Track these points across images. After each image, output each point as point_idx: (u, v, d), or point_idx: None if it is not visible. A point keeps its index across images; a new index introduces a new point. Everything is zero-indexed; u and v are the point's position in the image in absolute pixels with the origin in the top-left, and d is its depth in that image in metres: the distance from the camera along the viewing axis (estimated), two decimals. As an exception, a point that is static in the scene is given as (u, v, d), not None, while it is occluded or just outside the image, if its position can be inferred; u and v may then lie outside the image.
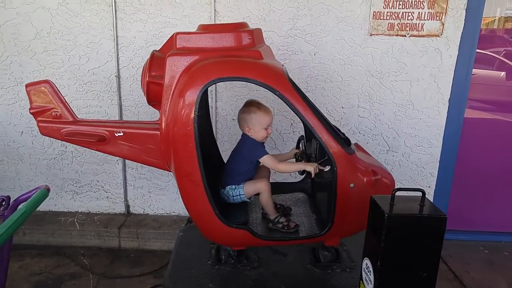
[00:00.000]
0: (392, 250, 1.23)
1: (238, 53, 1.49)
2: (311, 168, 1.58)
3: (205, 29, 1.59)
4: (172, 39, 1.58)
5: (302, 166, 1.64)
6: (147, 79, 1.53)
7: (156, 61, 1.56)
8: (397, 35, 2.39)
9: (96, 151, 2.56)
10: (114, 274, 2.38)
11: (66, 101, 1.59)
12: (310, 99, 1.53)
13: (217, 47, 1.50)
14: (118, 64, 2.52)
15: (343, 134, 1.57)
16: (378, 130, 2.56)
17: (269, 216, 1.73)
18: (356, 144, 1.68)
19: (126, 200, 2.77)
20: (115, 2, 2.42)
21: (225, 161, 1.95)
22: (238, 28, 1.57)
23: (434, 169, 2.59)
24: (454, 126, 2.50)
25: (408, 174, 2.60)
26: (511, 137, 2.66)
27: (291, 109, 1.45)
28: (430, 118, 2.51)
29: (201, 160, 1.46)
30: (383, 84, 2.49)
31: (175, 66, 1.47)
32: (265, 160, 1.64)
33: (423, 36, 2.38)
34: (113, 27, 2.46)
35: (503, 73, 2.68)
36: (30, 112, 1.57)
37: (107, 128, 1.56)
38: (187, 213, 2.73)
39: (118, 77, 2.54)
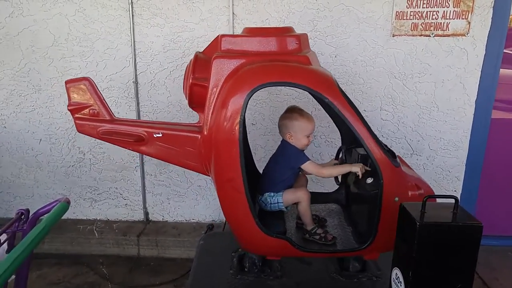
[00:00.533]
0: (425, 260, 1.17)
1: (285, 57, 1.43)
2: (357, 168, 1.50)
3: (251, 32, 1.53)
4: (216, 41, 1.53)
5: (348, 167, 1.56)
6: (190, 81, 1.48)
7: (200, 63, 1.51)
8: (421, 35, 2.30)
9: (115, 156, 2.58)
10: (134, 283, 2.32)
11: (104, 99, 1.55)
12: (358, 109, 1.45)
13: (264, 51, 1.44)
14: (135, 70, 2.47)
15: (386, 146, 1.49)
16: (401, 133, 2.47)
17: (305, 227, 1.65)
18: (398, 156, 1.59)
19: (145, 207, 2.71)
20: (132, 7, 2.37)
21: (258, 167, 1.88)
22: (284, 32, 1.52)
23: (460, 173, 2.49)
24: (481, 128, 2.39)
25: (433, 178, 2.50)
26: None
27: (340, 117, 1.38)
28: (455, 120, 2.41)
29: (244, 166, 1.40)
30: (406, 86, 2.40)
31: (221, 69, 1.42)
32: (307, 166, 1.58)
33: (448, 35, 2.28)
34: (130, 32, 2.41)
35: None
36: (68, 109, 1.53)
37: (145, 129, 1.51)
38: (206, 220, 2.71)
39: (136, 83, 2.49)
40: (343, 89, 2.52)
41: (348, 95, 1.42)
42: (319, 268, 1.68)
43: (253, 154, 2.07)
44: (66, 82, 1.53)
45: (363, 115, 2.57)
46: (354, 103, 1.39)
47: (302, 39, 1.50)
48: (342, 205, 1.88)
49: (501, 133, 2.49)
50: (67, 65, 2.49)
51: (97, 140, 1.79)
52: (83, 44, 2.45)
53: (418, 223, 1.14)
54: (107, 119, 1.54)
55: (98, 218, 2.75)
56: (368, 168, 1.51)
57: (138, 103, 2.52)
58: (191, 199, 2.66)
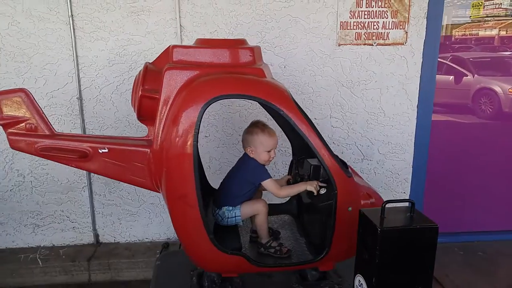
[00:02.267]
0: (387, 264, 1.16)
1: (240, 70, 1.37)
2: (312, 187, 1.47)
3: (204, 43, 1.45)
4: (167, 52, 1.43)
5: (303, 186, 1.51)
6: (140, 93, 1.37)
7: (150, 74, 1.41)
8: (365, 44, 2.32)
9: (60, 176, 2.33)
10: (84, 313, 2.09)
11: (43, 113, 1.38)
12: (312, 120, 1.42)
13: (217, 62, 1.37)
14: (79, 86, 2.27)
15: (337, 156, 1.45)
16: (351, 140, 2.46)
17: (260, 240, 1.57)
18: (349, 166, 1.57)
19: (94, 229, 2.46)
20: (72, 20, 2.18)
21: (214, 179, 1.76)
22: (238, 44, 1.45)
23: (408, 175, 2.52)
24: (424, 130, 2.44)
25: (383, 181, 2.51)
26: (474, 138, 2.66)
27: (295, 129, 1.33)
28: (401, 124, 2.44)
29: (198, 180, 1.30)
30: (354, 93, 2.40)
31: (174, 80, 1.33)
32: (267, 184, 1.51)
33: (389, 44, 2.32)
34: (72, 46, 2.21)
35: (451, 77, 2.72)
36: None
37: (90, 144, 1.38)
38: (160, 239, 2.51)
39: (80, 99, 2.28)
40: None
41: (301, 106, 1.37)
42: (280, 280, 1.61)
43: (207, 167, 1.96)
44: None
45: (314, 123, 2.55)
46: (305, 112, 1.35)
47: (256, 51, 1.46)
48: (294, 215, 1.82)
49: (441, 134, 2.56)
50: (1, 82, 2.22)
51: (39, 160, 1.60)
52: (18, 59, 2.21)
53: (379, 229, 1.13)
54: (47, 134, 1.37)
55: (42, 245, 2.46)
56: (323, 184, 1.48)
57: (83, 120, 2.31)
58: (143, 218, 2.46)
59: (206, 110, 2.34)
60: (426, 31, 2.31)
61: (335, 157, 1.40)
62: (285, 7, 2.25)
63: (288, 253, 1.54)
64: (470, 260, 2.45)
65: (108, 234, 2.49)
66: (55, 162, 1.44)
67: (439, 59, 2.39)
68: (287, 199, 1.84)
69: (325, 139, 2.50)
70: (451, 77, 2.74)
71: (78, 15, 2.19)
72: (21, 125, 1.36)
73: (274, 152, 1.55)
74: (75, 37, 2.21)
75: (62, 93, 2.28)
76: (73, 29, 2.19)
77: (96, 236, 2.48)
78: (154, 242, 2.49)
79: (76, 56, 2.23)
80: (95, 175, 2.35)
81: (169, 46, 1.41)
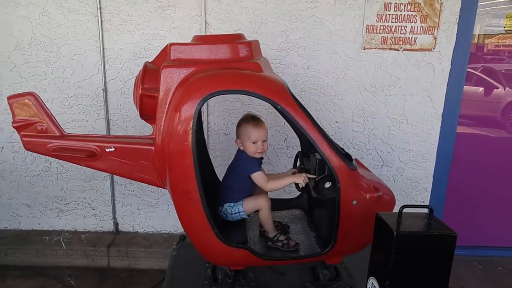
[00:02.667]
0: (401, 269, 1.14)
1: (236, 65, 1.34)
2: (299, 179, 1.45)
3: (201, 40, 1.43)
4: (165, 51, 1.42)
5: (290, 179, 1.49)
6: (140, 92, 1.38)
7: (149, 73, 1.41)
8: (390, 48, 2.24)
9: (84, 167, 2.40)
10: (103, 296, 2.18)
11: (52, 115, 1.41)
12: (311, 114, 1.38)
13: (214, 58, 1.35)
14: (104, 77, 2.30)
15: (343, 149, 1.42)
16: (372, 145, 2.41)
17: (268, 234, 1.57)
18: (356, 160, 1.53)
19: (114, 217, 2.54)
20: (100, 12, 2.20)
21: (220, 177, 1.78)
22: (235, 39, 1.42)
23: (428, 184, 2.46)
24: (448, 140, 2.36)
25: (402, 189, 2.46)
26: (501, 151, 2.56)
27: (293, 123, 1.31)
28: (423, 132, 2.38)
29: (199, 176, 1.30)
30: (376, 98, 2.34)
31: (171, 78, 1.32)
32: (256, 177, 1.49)
33: (416, 50, 2.24)
34: (99, 38, 2.24)
35: (481, 88, 2.60)
36: (13, 126, 1.39)
37: (97, 143, 1.40)
38: (178, 231, 2.57)
39: (105, 90, 2.32)
40: (314, 100, 2.45)
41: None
42: (293, 278, 1.61)
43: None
44: (9, 98, 1.39)
45: (335, 126, 2.51)
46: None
47: (253, 46, 1.42)
48: (305, 210, 1.80)
49: (465, 146, 2.48)
50: (31, 71, 2.29)
51: (49, 157, 1.62)
52: (48, 49, 2.26)
53: (395, 233, 1.11)
54: (57, 135, 1.40)
55: (65, 229, 2.56)
56: (311, 176, 1.44)
57: (107, 111, 2.36)
58: (162, 210, 2.52)
59: (227, 108, 2.38)
60: (456, 38, 2.21)
61: (337, 150, 1.37)
62: (310, 8, 2.20)
63: (296, 247, 1.53)
64: (488, 274, 2.40)
65: (127, 223, 2.56)
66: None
67: (469, 69, 2.29)
68: (298, 194, 1.82)
69: (345, 143, 2.47)
70: (481, 89, 2.61)
71: (106, 7, 2.21)
72: (32, 127, 1.39)
73: (264, 145, 1.50)
74: (102, 30, 2.23)
75: (88, 83, 2.33)
76: (101, 21, 2.21)
77: (116, 224, 2.56)
78: (171, 234, 2.55)
79: (103, 48, 2.26)
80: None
81: (167, 44, 1.40)
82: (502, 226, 2.60)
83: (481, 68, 2.60)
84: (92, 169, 2.40)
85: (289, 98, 1.32)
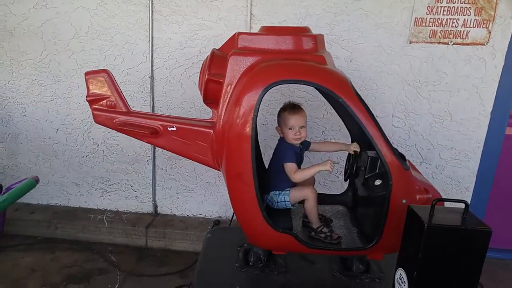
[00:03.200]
0: (431, 261, 1.13)
1: (301, 56, 1.39)
2: (326, 166, 1.48)
3: (268, 30, 1.49)
4: (233, 39, 1.49)
5: (317, 168, 1.52)
6: (206, 76, 1.45)
7: (216, 59, 1.48)
8: (439, 42, 2.17)
9: (128, 149, 2.53)
10: (141, 272, 2.27)
11: (121, 92, 1.52)
12: (371, 110, 1.39)
13: (280, 49, 1.40)
14: (152, 65, 2.41)
15: (396, 149, 1.42)
16: (412, 141, 2.35)
17: (311, 225, 1.60)
18: (408, 161, 1.53)
19: (154, 200, 2.65)
20: (152, 3, 2.30)
21: (266, 165, 1.82)
22: (301, 32, 1.47)
23: (471, 183, 2.36)
24: (495, 139, 2.26)
25: (441, 187, 2.37)
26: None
27: (353, 117, 1.32)
28: (469, 130, 2.28)
29: (255, 161, 1.36)
30: (420, 94, 2.28)
31: (237, 65, 1.39)
32: (286, 166, 1.53)
33: (467, 44, 2.15)
34: (149, 28, 2.34)
35: None
36: (86, 99, 1.51)
37: (160, 122, 1.50)
38: (213, 216, 2.64)
39: (152, 78, 2.43)
40: (357, 93, 2.41)
41: (361, 96, 1.35)
42: (322, 266, 1.64)
43: (263, 154, 2.00)
44: (86, 74, 1.51)
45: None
46: (365, 101, 1.32)
47: (319, 39, 1.45)
48: (349, 207, 1.82)
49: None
50: (86, 58, 2.44)
51: (111, 132, 1.72)
52: (103, 37, 2.40)
53: (426, 225, 1.11)
54: (124, 111, 1.51)
55: (108, 209, 2.70)
56: (335, 162, 1.52)
57: (153, 98, 2.46)
58: (199, 195, 2.60)
59: (267, 99, 2.41)
60: (512, 32, 2.11)
61: (393, 148, 1.37)
62: (357, 0, 2.18)
63: (338, 240, 1.54)
64: (529, 280, 2.28)
65: (166, 206, 2.67)
66: (127, 136, 1.57)
67: None
68: (343, 190, 1.83)
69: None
70: None
71: (158, -1, 2.31)
72: (102, 102, 1.50)
73: (301, 131, 1.53)
74: (152, 20, 2.33)
75: (136, 71, 2.44)
76: (152, 11, 2.31)
77: (155, 206, 2.67)
78: (206, 218, 2.62)
79: (152, 37, 2.36)
80: (159, 150, 2.52)
81: (235, 33, 1.45)
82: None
83: None
84: (136, 152, 2.56)
85: (351, 92, 1.34)
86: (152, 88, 2.44)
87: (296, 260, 1.66)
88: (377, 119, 2.29)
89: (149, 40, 2.36)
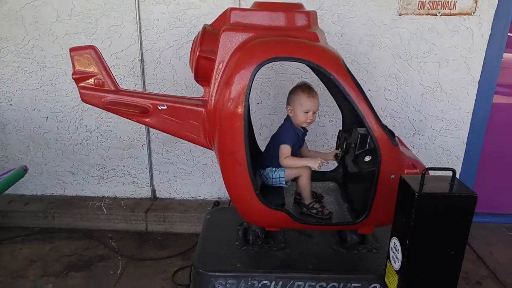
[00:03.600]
0: (421, 228, 1.19)
1: (294, 33, 1.38)
2: (314, 164, 1.51)
3: (261, 6, 1.47)
4: (225, 14, 1.46)
5: (305, 162, 1.57)
6: (198, 53, 1.42)
7: (208, 36, 1.45)
8: (428, 14, 2.20)
9: (122, 134, 2.50)
10: (142, 256, 2.29)
11: (110, 69, 1.47)
12: (363, 88, 1.41)
13: (273, 25, 1.39)
14: (141, 48, 2.35)
15: (386, 126, 1.46)
16: (404, 113, 2.40)
17: (303, 201, 1.65)
18: (398, 137, 1.58)
19: (152, 184, 2.65)
20: (137, -18, 2.23)
21: (259, 144, 1.84)
22: (294, 8, 1.45)
23: (461, 152, 2.45)
24: (483, 108, 2.33)
25: (434, 157, 2.46)
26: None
27: (344, 94, 1.34)
28: (458, 100, 2.35)
29: (247, 139, 1.37)
30: (411, 66, 2.31)
31: (230, 42, 1.36)
32: (281, 148, 1.55)
33: (455, 14, 2.18)
34: (136, 9, 2.27)
35: None
36: (72, 77, 1.46)
37: (150, 101, 1.47)
38: (212, 197, 2.67)
39: (142, 61, 2.38)
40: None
41: (353, 74, 1.37)
42: (320, 240, 1.71)
43: (258, 133, 2.03)
44: (71, 50, 1.46)
45: (367, 94, 2.51)
46: (359, 82, 1.34)
47: (311, 16, 1.44)
48: (339, 183, 1.88)
49: (502, 116, 2.44)
50: (72, 42, 2.35)
51: (104, 118, 1.69)
52: (87, 20, 2.32)
53: (417, 194, 1.15)
54: (112, 90, 1.47)
55: (106, 195, 2.69)
56: (325, 162, 1.52)
57: (144, 81, 2.42)
58: (197, 177, 2.61)
59: (260, 78, 2.40)
60: (498, 1, 2.14)
61: (383, 125, 1.41)
62: (346, -27, 2.17)
63: (329, 215, 1.60)
64: (517, 241, 2.42)
65: (164, 190, 2.67)
66: (119, 117, 1.54)
67: None
68: (334, 167, 1.89)
69: (377, 111, 2.48)
70: None
71: (142, -22, 2.24)
72: (90, 80, 1.45)
73: (314, 115, 1.55)
74: (138, 0, 2.26)
75: (126, 54, 2.38)
76: (137, -9, 2.25)
77: (153, 191, 2.67)
78: (205, 200, 2.64)
79: (139, 19, 2.29)
80: (154, 134, 2.50)
81: (228, 8, 1.43)
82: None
83: None
84: (130, 137, 2.53)
85: (343, 69, 1.35)
86: (142, 71, 2.40)
87: (294, 235, 1.71)
88: (370, 93, 2.38)
89: (137, 22, 2.30)
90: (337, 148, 1.75)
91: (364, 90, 1.39)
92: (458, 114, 2.37)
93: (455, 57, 2.27)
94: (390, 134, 1.45)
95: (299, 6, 1.49)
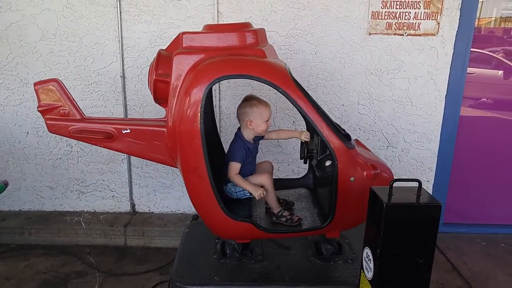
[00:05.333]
0: (391, 238, 1.25)
1: (243, 51, 1.48)
2: (255, 193, 1.60)
3: (211, 28, 1.58)
4: (178, 39, 1.56)
5: (249, 187, 1.63)
6: (154, 77, 1.52)
7: (163, 60, 1.55)
8: (395, 34, 2.38)
9: (102, 149, 2.56)
10: (121, 272, 2.31)
11: (74, 99, 1.56)
12: (312, 97, 1.51)
13: (222, 46, 1.49)
14: (123, 65, 2.48)
15: (344, 130, 1.56)
16: (378, 127, 2.54)
17: (272, 210, 1.71)
18: (356, 140, 1.67)
19: (131, 198, 2.71)
20: (119, 3, 2.38)
21: None
22: (242, 28, 1.56)
23: (433, 164, 2.58)
24: (451, 121, 2.49)
25: (407, 169, 2.58)
26: (507, 134, 2.67)
27: (294, 105, 1.44)
28: (428, 114, 2.50)
29: (207, 155, 1.44)
30: (382, 82, 2.48)
31: (182, 65, 1.46)
32: (230, 165, 1.64)
33: (420, 35, 2.38)
34: (118, 28, 2.42)
35: (500, 72, 2.68)
36: (38, 110, 1.54)
37: (114, 126, 1.55)
38: (192, 211, 2.71)
39: (123, 77, 2.50)
40: (321, 84, 2.60)
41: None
42: (297, 252, 1.75)
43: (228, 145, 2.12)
44: (35, 84, 1.54)
45: (342, 109, 2.66)
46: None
47: (259, 34, 1.55)
48: (310, 189, 1.95)
49: (469, 128, 2.59)
50: (55, 60, 2.48)
51: (70, 139, 1.74)
52: (71, 39, 2.45)
53: (385, 204, 1.22)
54: (78, 118, 1.55)
55: (85, 210, 2.73)
56: (264, 193, 1.60)
57: (125, 97, 2.53)
58: (176, 191, 2.67)
59: (236, 94, 2.53)
60: (459, 23, 2.34)
61: (337, 130, 1.49)
62: (318, -4, 2.36)
63: (299, 222, 1.65)
64: (491, 251, 2.51)
65: (144, 204, 2.72)
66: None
67: (489, 53, 2.39)
68: (303, 174, 1.97)
69: (351, 125, 2.63)
70: (500, 72, 2.68)
71: (125, -1, 2.39)
72: (55, 111, 1.53)
73: (270, 123, 1.66)
74: (121, 20, 2.41)
75: (107, 71, 2.50)
76: (120, 12, 2.39)
77: (133, 205, 2.72)
78: (185, 214, 2.70)
79: (121, 37, 2.43)
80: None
81: (180, 33, 1.53)
82: (506, 204, 2.70)
83: (502, 51, 2.67)
84: (111, 152, 2.61)
85: (289, 81, 1.44)
86: (124, 87, 2.51)
87: (272, 247, 1.76)
88: (344, 107, 2.52)
89: (119, 40, 2.44)
90: (300, 155, 1.80)
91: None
92: (428, 127, 2.52)
93: (423, 73, 2.44)
94: (346, 138, 1.52)
95: (247, 26, 1.59)
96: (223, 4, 2.37)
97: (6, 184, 1.70)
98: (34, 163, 2.65)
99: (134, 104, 2.54)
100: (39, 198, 2.72)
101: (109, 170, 2.66)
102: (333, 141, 1.47)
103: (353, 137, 1.62)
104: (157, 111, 2.51)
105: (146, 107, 2.54)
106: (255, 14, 2.38)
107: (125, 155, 2.61)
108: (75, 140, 2.56)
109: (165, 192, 2.69)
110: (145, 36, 2.44)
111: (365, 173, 1.51)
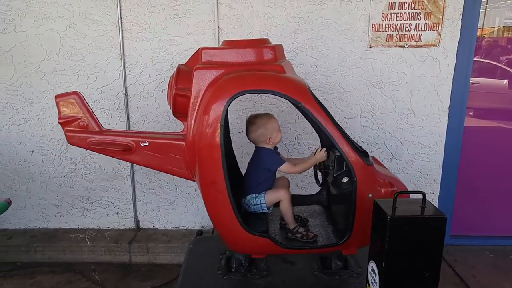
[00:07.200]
0: (396, 251, 1.25)
1: (261, 67, 1.53)
2: (322, 155, 1.66)
3: (229, 44, 1.63)
4: (197, 54, 1.62)
5: (313, 160, 1.69)
6: (174, 91, 1.56)
7: (182, 74, 1.60)
8: (396, 46, 2.42)
9: (106, 166, 2.63)
10: (126, 289, 2.36)
11: (93, 112, 1.62)
12: (330, 113, 1.53)
13: (241, 61, 1.54)
14: (125, 82, 2.54)
15: (361, 147, 1.59)
16: (381, 139, 2.57)
17: (288, 226, 1.74)
18: (373, 157, 1.69)
19: (135, 215, 2.76)
20: (121, 22, 2.45)
21: (243, 172, 1.95)
22: (260, 43, 1.61)
23: (438, 175, 2.59)
24: (455, 132, 2.50)
25: (412, 181, 2.60)
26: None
27: (313, 120, 1.48)
28: (431, 125, 2.52)
29: (226, 169, 1.48)
30: (384, 94, 2.51)
31: (202, 79, 1.51)
32: (283, 168, 1.70)
33: (421, 46, 2.41)
34: (120, 46, 2.49)
35: (505, 81, 2.70)
36: (58, 122, 1.59)
37: (133, 138, 1.59)
38: (196, 226, 2.77)
39: (126, 94, 2.56)
40: (323, 97, 2.64)
41: (321, 101, 1.50)
42: (302, 267, 1.76)
43: (240, 160, 2.17)
44: (56, 97, 1.60)
45: (344, 122, 2.69)
46: (335, 111, 1.47)
47: (277, 50, 1.59)
48: (324, 206, 1.96)
49: (474, 138, 2.60)
50: (59, 79, 2.55)
51: (88, 150, 1.82)
52: (74, 58, 2.52)
53: (389, 217, 1.23)
54: (96, 131, 1.61)
55: (89, 227, 2.79)
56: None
57: (128, 114, 2.59)
58: (180, 207, 2.72)
59: (241, 108, 2.57)
60: (460, 33, 2.37)
61: (355, 146, 1.51)
62: (317, 10, 2.40)
63: (314, 238, 1.67)
64: (499, 263, 2.50)
65: (148, 220, 2.78)
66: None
67: (493, 63, 2.40)
68: (317, 190, 1.99)
69: (354, 137, 2.65)
70: (505, 81, 2.70)
71: (127, 17, 2.46)
72: (75, 123, 1.59)
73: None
74: (123, 38, 2.48)
75: (110, 89, 2.57)
76: (122, 30, 2.46)
77: (137, 221, 2.77)
78: (189, 230, 2.74)
79: (123, 55, 2.50)
80: (137, 165, 2.63)
81: (199, 48, 1.59)
82: (514, 216, 2.69)
83: (506, 60, 2.68)
84: (114, 169, 2.67)
85: (309, 97, 1.48)
86: (126, 104, 2.58)
87: (277, 262, 1.77)
88: (346, 120, 2.55)
89: (121, 58, 2.50)
90: (315, 171, 1.86)
91: (341, 118, 1.49)
92: (432, 139, 2.54)
93: (425, 85, 2.47)
94: (364, 154, 1.55)
95: (265, 42, 1.65)
96: (223, 20, 2.43)
97: (9, 203, 1.75)
98: (39, 181, 2.72)
99: (136, 121, 2.60)
100: (45, 216, 2.78)
101: (113, 187, 2.71)
102: (352, 157, 1.50)
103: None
104: (159, 128, 2.59)
105: (149, 123, 2.59)
106: (255, 29, 2.44)
107: (129, 171, 2.67)
108: (78, 158, 2.67)
109: (169, 208, 2.74)
110: (146, 54, 2.50)
111: (383, 191, 1.52)
